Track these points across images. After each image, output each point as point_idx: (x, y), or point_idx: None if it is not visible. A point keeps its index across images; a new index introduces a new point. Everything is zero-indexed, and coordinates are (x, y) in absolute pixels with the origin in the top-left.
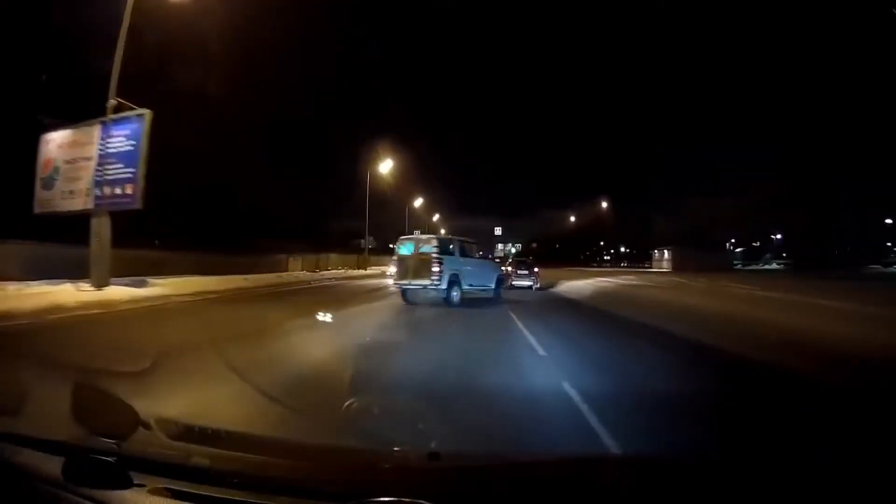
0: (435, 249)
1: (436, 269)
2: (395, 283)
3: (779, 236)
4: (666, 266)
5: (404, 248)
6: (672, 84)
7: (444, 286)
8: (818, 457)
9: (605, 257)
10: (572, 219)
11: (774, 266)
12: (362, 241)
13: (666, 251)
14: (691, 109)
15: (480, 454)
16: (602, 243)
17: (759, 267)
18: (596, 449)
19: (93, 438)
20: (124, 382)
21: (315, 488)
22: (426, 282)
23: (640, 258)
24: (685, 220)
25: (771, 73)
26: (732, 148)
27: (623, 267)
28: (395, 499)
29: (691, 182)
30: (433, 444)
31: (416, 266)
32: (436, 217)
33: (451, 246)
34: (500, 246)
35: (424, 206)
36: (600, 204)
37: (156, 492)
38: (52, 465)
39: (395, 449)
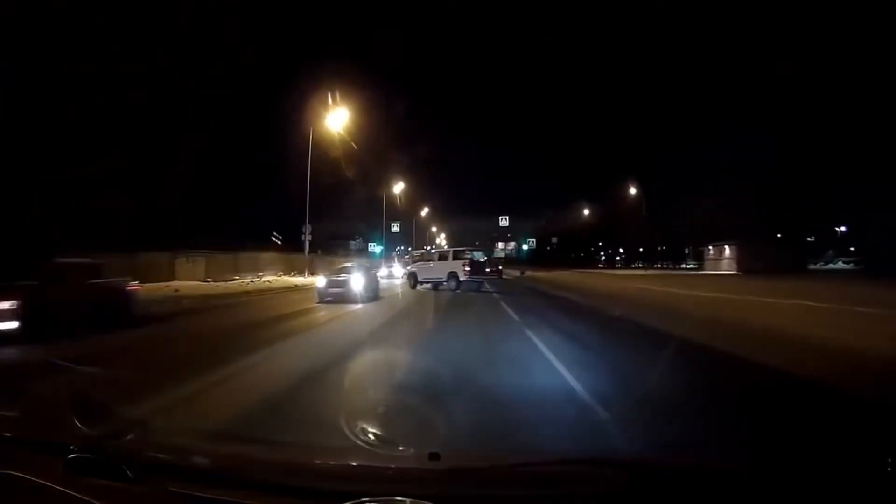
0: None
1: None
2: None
3: (842, 228)
4: (727, 266)
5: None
6: (676, 81)
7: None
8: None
9: (600, 257)
10: (586, 212)
11: (840, 265)
12: (352, 242)
13: (727, 247)
14: (693, 108)
15: (480, 454)
16: (601, 244)
17: (823, 266)
18: (598, 449)
19: (93, 438)
20: None
21: (315, 488)
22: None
23: (655, 258)
24: (684, 220)
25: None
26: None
27: (637, 268)
28: (395, 499)
29: (692, 181)
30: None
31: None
32: (424, 211)
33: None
34: (500, 245)
35: (414, 203)
36: (626, 191)
37: (156, 491)
38: (53, 466)
39: (396, 449)
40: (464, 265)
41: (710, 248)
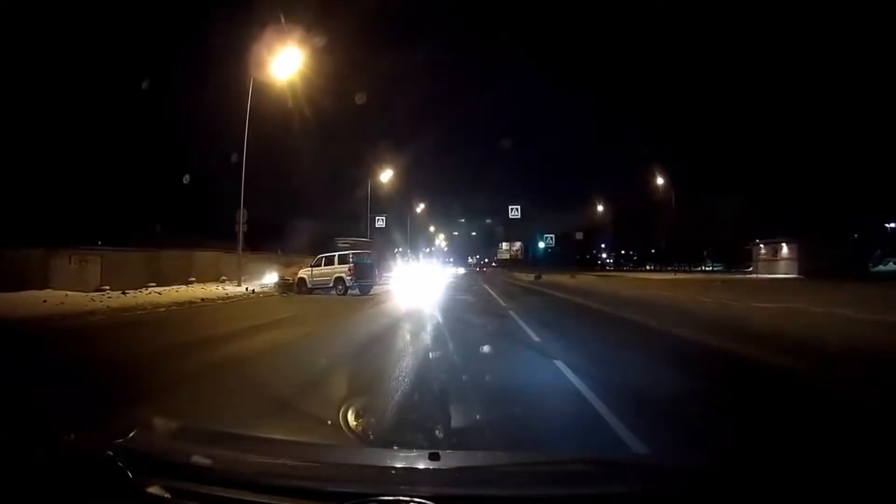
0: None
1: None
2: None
3: (892, 225)
4: (785, 268)
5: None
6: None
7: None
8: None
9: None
10: (606, 208)
11: (892, 266)
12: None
13: (784, 246)
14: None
15: (480, 454)
16: (603, 245)
17: (873, 268)
18: (598, 450)
19: (93, 438)
20: None
21: (315, 488)
22: None
23: (671, 258)
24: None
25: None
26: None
27: (651, 270)
28: (395, 498)
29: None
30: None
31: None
32: (420, 207)
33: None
34: (504, 245)
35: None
36: (653, 183)
37: (156, 492)
38: (53, 465)
39: (395, 449)
40: (349, 269)
41: (762, 246)
